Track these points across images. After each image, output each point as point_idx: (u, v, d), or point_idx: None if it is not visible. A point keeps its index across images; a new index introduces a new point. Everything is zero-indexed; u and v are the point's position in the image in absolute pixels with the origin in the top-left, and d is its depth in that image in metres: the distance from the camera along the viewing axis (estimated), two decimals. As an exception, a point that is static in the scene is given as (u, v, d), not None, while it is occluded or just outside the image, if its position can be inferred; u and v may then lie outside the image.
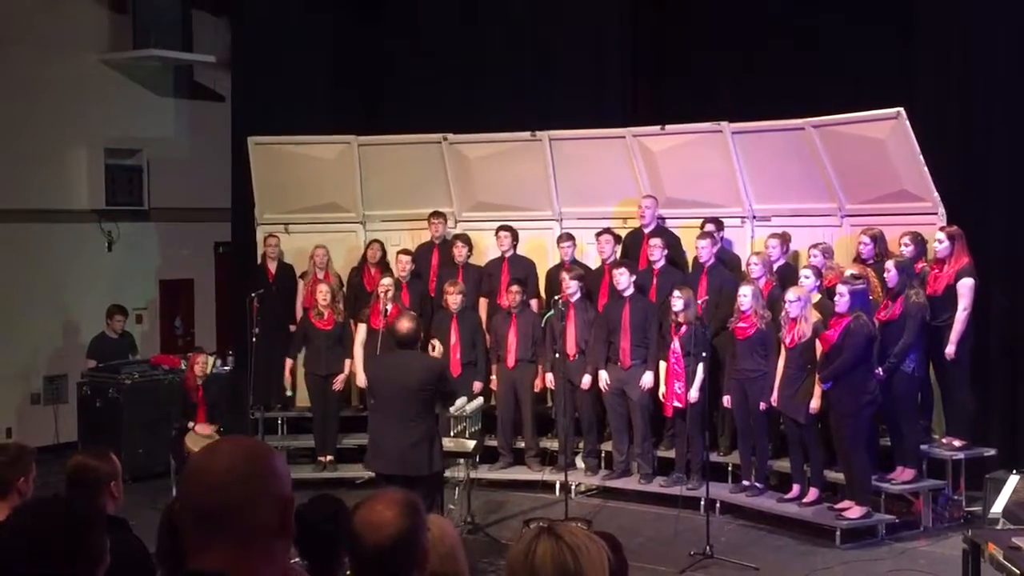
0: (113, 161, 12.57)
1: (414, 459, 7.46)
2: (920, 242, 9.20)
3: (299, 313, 11.16)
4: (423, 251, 11.22)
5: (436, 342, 8.71)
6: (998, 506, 7.44)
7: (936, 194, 9.37)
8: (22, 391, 12.11)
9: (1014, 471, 7.88)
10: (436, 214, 11.22)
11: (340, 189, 11.66)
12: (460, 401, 8.78)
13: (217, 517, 2.08)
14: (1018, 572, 5.59)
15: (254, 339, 10.31)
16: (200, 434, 9.66)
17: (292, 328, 11.12)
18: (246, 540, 2.08)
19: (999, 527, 6.95)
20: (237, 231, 12.75)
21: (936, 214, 9.41)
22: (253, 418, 10.76)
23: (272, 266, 11.38)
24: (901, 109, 9.24)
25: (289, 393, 11.06)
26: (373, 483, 9.57)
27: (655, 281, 10.11)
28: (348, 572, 2.95)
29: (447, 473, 8.64)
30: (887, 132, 9.44)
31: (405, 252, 10.88)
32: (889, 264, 8.81)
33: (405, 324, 7.60)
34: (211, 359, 10.70)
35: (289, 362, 10.82)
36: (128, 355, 11.70)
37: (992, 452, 9.17)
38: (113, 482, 4.21)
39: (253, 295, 10.43)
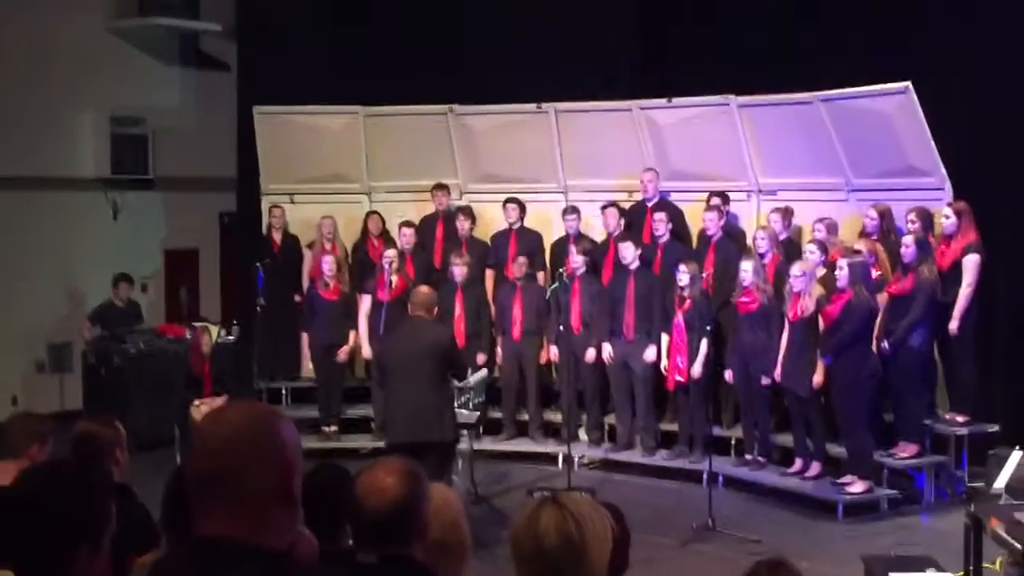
0: (119, 130, 12.54)
1: (423, 424, 7.46)
2: (927, 218, 9.16)
3: (306, 284, 11.16)
4: (428, 223, 11.20)
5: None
6: (1001, 482, 7.44)
7: (943, 170, 9.32)
8: (27, 359, 12.14)
9: (1017, 447, 7.87)
10: (440, 186, 11.19)
11: (345, 160, 11.63)
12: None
13: (216, 481, 2.09)
14: (1020, 547, 5.60)
15: (259, 309, 10.29)
16: (206, 407, 9.66)
17: (297, 299, 11.12)
18: (244, 504, 2.08)
19: (1001, 502, 6.95)
20: (242, 201, 12.74)
21: (943, 190, 9.38)
22: (257, 388, 10.77)
23: (277, 236, 11.37)
24: (909, 84, 9.17)
25: (311, 366, 11.05)
26: (377, 454, 9.63)
27: (659, 254, 10.10)
28: (350, 541, 2.96)
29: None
30: (895, 107, 9.38)
31: (408, 224, 10.87)
32: (908, 239, 8.77)
33: (424, 289, 7.92)
34: (215, 329, 10.71)
35: (306, 335, 10.81)
36: (134, 324, 11.71)
37: (995, 428, 9.14)
38: (118, 449, 4.23)
39: (258, 263, 10.41)
